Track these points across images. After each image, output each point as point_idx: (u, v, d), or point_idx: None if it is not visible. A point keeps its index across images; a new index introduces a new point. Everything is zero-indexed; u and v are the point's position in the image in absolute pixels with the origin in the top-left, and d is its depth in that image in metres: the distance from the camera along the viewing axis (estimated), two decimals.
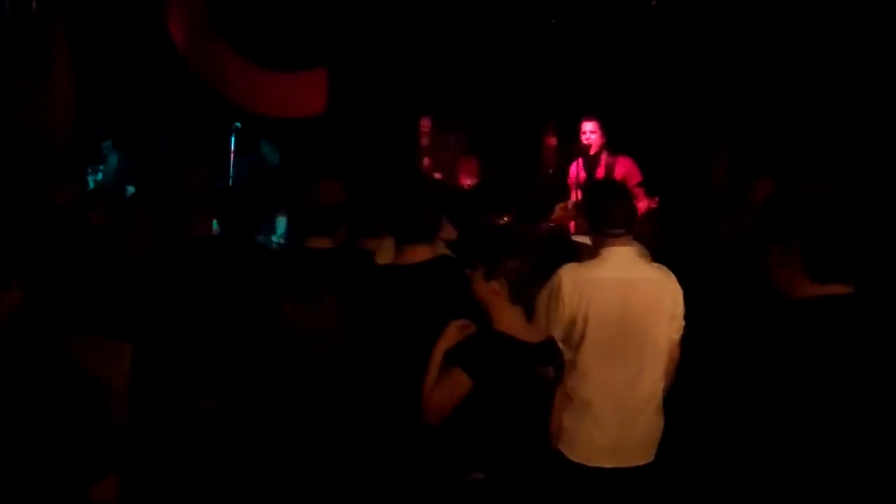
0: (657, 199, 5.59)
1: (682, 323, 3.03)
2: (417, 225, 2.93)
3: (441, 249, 3.17)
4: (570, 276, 2.93)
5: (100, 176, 6.93)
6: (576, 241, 3.81)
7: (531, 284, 2.59)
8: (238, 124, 6.50)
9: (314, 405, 2.93)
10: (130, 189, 6.75)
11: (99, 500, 1.95)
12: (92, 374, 2.25)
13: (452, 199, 4.54)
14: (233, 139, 6.46)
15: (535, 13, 7.33)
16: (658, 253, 3.26)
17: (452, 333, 2.59)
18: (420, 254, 2.93)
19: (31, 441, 1.84)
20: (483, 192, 4.85)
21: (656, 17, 6.65)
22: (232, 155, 6.46)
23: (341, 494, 2.78)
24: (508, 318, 2.55)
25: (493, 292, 2.53)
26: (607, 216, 2.98)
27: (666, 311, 2.98)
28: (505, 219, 4.78)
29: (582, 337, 2.91)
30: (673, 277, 3.03)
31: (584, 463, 2.94)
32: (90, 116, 6.90)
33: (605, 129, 5.89)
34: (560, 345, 2.96)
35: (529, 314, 2.65)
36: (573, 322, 2.91)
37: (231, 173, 6.43)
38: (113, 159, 6.98)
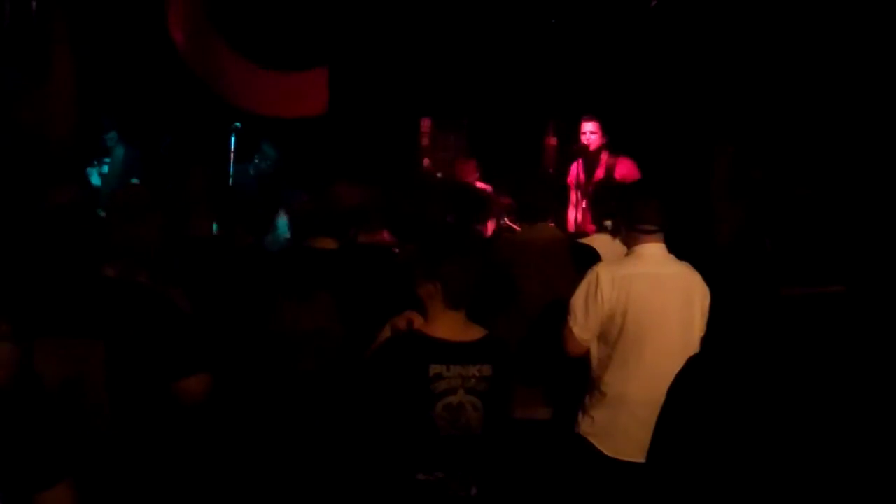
0: None
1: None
2: (418, 224, 2.94)
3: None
4: (608, 272, 2.98)
5: (105, 169, 6.93)
6: (582, 244, 3.81)
7: (473, 290, 2.57)
8: (238, 124, 6.50)
9: (309, 403, 2.95)
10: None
11: None
12: (65, 375, 2.24)
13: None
14: (233, 139, 6.46)
15: (535, 13, 7.34)
16: None
17: (401, 321, 2.60)
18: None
19: None
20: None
21: (656, 18, 6.66)
22: (232, 155, 6.46)
23: (333, 491, 2.80)
24: (439, 321, 2.55)
25: (427, 294, 2.55)
26: (642, 213, 3.02)
27: (698, 307, 3.04)
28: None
29: (620, 331, 2.95)
30: (699, 274, 3.08)
31: (619, 458, 2.95)
32: (91, 115, 6.90)
33: (605, 129, 5.90)
34: (595, 342, 3.00)
35: (473, 318, 2.63)
36: (612, 317, 2.95)
37: (231, 173, 6.43)
38: (119, 152, 6.97)
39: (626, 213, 3.11)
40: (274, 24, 7.35)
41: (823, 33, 5.57)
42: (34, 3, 6.26)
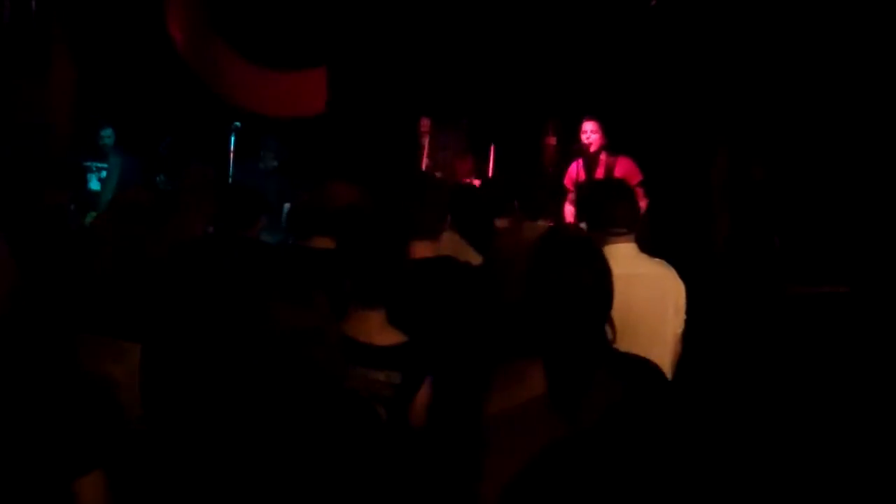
0: (648, 199, 5.61)
1: (684, 317, 3.04)
2: (417, 221, 2.92)
3: (445, 249, 3.15)
4: None
5: (104, 174, 6.92)
6: None
7: None
8: (238, 124, 6.49)
9: (304, 404, 2.93)
10: None
11: (84, 495, 1.90)
12: (99, 372, 2.27)
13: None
14: (233, 139, 6.45)
15: (534, 13, 7.34)
16: (649, 251, 3.25)
17: None
18: (420, 251, 2.92)
19: (12, 433, 1.81)
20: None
21: (656, 17, 6.66)
22: (231, 155, 6.45)
23: (331, 494, 2.78)
24: None
25: None
26: (610, 215, 2.97)
27: (671, 305, 2.98)
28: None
29: None
30: (674, 272, 3.04)
31: None
32: (90, 116, 6.90)
33: (605, 129, 5.89)
34: None
35: None
36: None
37: (231, 172, 6.43)
38: (116, 158, 6.96)
39: (593, 216, 3.04)
40: (273, 24, 7.35)
41: (823, 33, 5.57)
42: (34, 3, 6.26)
